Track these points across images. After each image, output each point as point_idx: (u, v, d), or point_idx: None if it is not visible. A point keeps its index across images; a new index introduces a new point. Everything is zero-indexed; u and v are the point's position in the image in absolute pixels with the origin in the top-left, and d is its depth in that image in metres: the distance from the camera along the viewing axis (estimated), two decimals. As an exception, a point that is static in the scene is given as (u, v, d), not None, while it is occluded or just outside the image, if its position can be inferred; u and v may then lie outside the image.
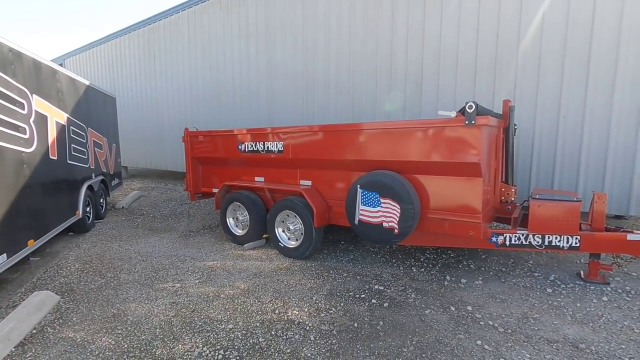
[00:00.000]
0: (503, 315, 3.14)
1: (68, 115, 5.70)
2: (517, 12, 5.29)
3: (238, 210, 5.29)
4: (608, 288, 3.56)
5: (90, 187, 6.42)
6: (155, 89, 11.70)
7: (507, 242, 3.59)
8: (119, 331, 3.03)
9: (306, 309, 3.30)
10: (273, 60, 8.38)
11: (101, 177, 7.25)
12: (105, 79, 13.66)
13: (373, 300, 3.45)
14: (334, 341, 2.82)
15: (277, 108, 8.43)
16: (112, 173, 8.26)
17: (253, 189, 5.21)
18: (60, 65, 10.27)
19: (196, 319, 3.17)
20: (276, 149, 4.76)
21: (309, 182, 4.65)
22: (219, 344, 2.81)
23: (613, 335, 2.81)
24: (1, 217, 3.68)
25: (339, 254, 4.73)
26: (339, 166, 4.30)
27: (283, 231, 4.77)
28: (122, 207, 8.04)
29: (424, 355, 2.63)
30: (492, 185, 4.06)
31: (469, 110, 3.25)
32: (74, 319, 3.27)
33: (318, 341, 2.82)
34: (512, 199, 4.34)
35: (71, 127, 5.81)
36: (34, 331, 3.06)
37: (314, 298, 3.51)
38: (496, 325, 2.99)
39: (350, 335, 2.89)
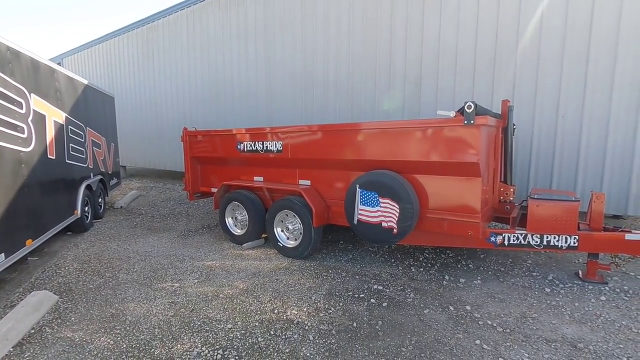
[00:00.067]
0: (502, 315, 3.14)
1: (66, 115, 5.69)
2: (516, 12, 5.29)
3: (237, 210, 5.28)
4: (606, 287, 3.57)
5: (88, 187, 6.41)
6: (154, 88, 11.68)
7: (506, 242, 3.60)
8: (118, 331, 3.02)
9: (305, 309, 3.30)
10: (272, 60, 8.37)
11: (100, 177, 7.24)
12: (103, 78, 13.62)
13: (372, 300, 3.45)
14: (332, 341, 2.82)
15: (276, 108, 8.43)
16: (110, 172, 8.25)
17: (252, 188, 5.20)
18: (59, 64, 10.23)
19: (195, 318, 3.17)
20: (275, 149, 4.76)
21: (308, 182, 4.65)
22: (217, 343, 2.80)
23: (611, 334, 2.82)
24: (-1, 217, 3.67)
25: (338, 254, 4.73)
26: (338, 166, 4.30)
27: (282, 231, 4.77)
28: (121, 207, 8.03)
29: (422, 354, 2.64)
30: (490, 185, 4.06)
31: (468, 110, 3.26)
32: (73, 318, 3.26)
33: (317, 341, 2.82)
34: (511, 198, 4.35)
35: (69, 127, 5.79)
36: (32, 331, 3.05)
37: (313, 298, 3.51)
38: (495, 324, 2.99)
39: (349, 335, 2.89)
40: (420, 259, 4.49)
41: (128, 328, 3.06)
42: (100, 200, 7.21)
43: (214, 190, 5.68)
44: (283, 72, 8.19)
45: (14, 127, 4.04)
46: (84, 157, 6.41)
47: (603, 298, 3.38)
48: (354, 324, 3.04)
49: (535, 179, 5.42)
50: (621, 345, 2.68)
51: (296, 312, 3.23)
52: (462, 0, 5.71)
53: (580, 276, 3.79)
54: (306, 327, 3.00)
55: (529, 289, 3.63)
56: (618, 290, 3.51)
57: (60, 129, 5.40)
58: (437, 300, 3.44)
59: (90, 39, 20.17)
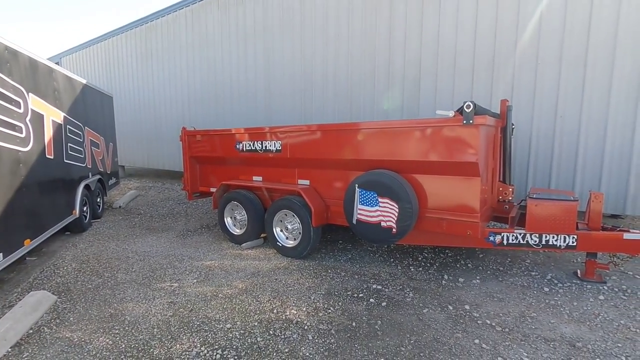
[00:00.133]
0: (500, 314, 3.15)
1: (65, 114, 5.67)
2: (514, 13, 5.31)
3: (236, 210, 5.28)
4: (605, 287, 3.58)
5: (87, 187, 6.39)
6: (153, 88, 11.66)
7: (505, 242, 3.61)
8: (117, 331, 3.02)
9: (304, 309, 3.30)
10: (271, 59, 8.37)
11: (98, 177, 7.22)
12: (102, 78, 13.60)
13: (371, 300, 3.45)
14: (332, 340, 2.82)
15: (275, 109, 8.42)
16: (109, 172, 8.23)
17: (251, 188, 5.20)
18: (57, 63, 10.19)
19: (194, 318, 3.17)
20: (274, 149, 4.76)
21: (307, 182, 4.65)
22: (217, 343, 2.80)
23: (609, 333, 2.83)
24: (-3, 217, 3.66)
25: (337, 254, 4.73)
26: (337, 165, 4.30)
27: (281, 230, 4.77)
28: (119, 207, 8.01)
29: (422, 354, 2.64)
30: (489, 185, 4.07)
31: (466, 110, 3.26)
32: (71, 318, 3.25)
33: (316, 340, 2.82)
34: (510, 198, 4.36)
35: (68, 126, 5.78)
36: (31, 331, 3.04)
37: (312, 297, 3.51)
38: (494, 324, 3.00)
39: (349, 335, 2.89)
40: (419, 258, 4.50)
41: (127, 328, 3.05)
42: (98, 200, 7.19)
43: (212, 190, 5.67)
44: (282, 73, 8.19)
45: (12, 127, 4.03)
46: (82, 156, 6.40)
47: (601, 297, 3.39)
48: (353, 324, 3.04)
49: (534, 178, 5.44)
50: (619, 344, 2.68)
51: (295, 312, 3.23)
52: (461, 1, 5.72)
53: (579, 275, 3.81)
54: (305, 327, 3.00)
55: (527, 288, 3.64)
56: (616, 290, 3.53)
57: (58, 129, 5.39)
58: (436, 299, 3.45)
59: (88, 37, 20.11)
